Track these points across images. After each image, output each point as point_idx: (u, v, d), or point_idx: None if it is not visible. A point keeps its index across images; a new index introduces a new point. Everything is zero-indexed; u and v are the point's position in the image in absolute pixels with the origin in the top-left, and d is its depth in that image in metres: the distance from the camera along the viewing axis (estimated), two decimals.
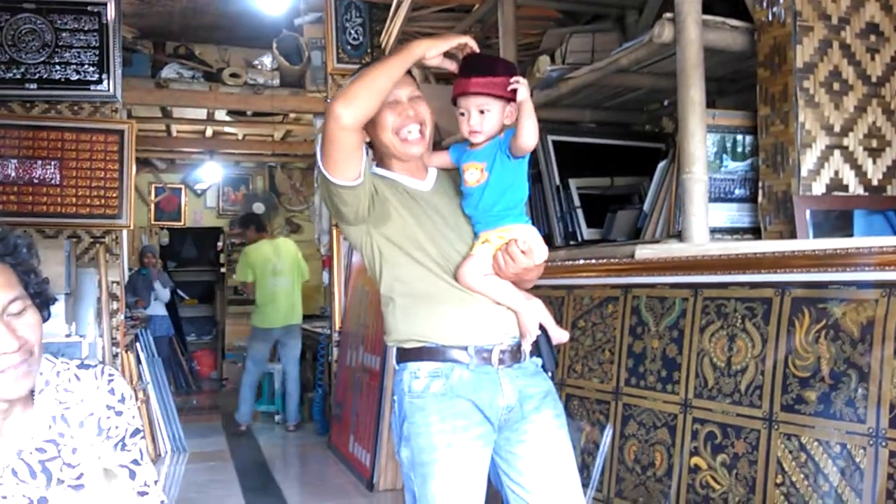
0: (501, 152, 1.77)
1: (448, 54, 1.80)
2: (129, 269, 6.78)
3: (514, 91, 1.74)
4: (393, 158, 1.86)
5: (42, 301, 1.34)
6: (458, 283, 1.78)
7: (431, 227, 1.81)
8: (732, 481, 1.90)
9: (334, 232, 5.86)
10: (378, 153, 1.89)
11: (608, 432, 2.31)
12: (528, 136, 1.72)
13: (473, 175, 1.80)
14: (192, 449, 5.60)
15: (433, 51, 1.76)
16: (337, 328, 5.71)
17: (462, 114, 1.79)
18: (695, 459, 2.02)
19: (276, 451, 5.74)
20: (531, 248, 1.77)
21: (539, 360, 1.87)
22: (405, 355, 1.80)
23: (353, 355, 5.14)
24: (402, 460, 1.79)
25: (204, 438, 6.01)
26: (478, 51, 1.82)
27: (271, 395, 6.80)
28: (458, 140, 1.93)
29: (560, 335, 1.89)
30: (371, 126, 1.81)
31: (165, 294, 8.19)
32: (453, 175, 1.92)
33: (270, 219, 10.06)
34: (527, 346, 1.83)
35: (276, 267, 6.36)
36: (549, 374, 1.90)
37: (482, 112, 1.76)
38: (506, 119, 1.78)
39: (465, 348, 1.76)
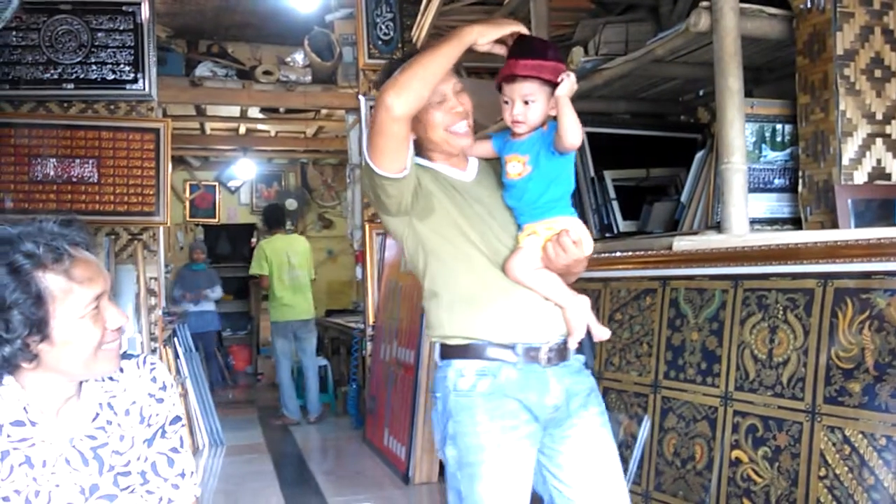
0: (545, 147, 1.72)
1: (498, 40, 1.74)
2: (166, 266, 6.86)
3: (560, 79, 1.69)
4: (437, 152, 1.83)
5: None
6: (505, 276, 1.74)
7: (476, 219, 1.77)
8: (774, 474, 1.88)
9: (367, 227, 5.89)
10: (420, 146, 1.84)
11: (646, 423, 2.29)
12: (571, 132, 1.66)
13: (515, 168, 1.75)
14: (230, 442, 5.67)
15: (485, 38, 1.70)
16: (371, 323, 5.74)
17: (506, 102, 1.75)
18: (736, 452, 2.00)
19: (312, 445, 5.79)
20: (581, 238, 1.73)
21: (582, 357, 1.85)
22: (450, 352, 1.76)
23: (387, 349, 5.16)
24: (448, 459, 1.76)
25: (241, 432, 6.09)
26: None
27: (302, 389, 6.87)
28: (501, 129, 1.90)
29: (602, 333, 1.84)
30: (420, 126, 1.76)
31: (217, 292, 8.32)
32: (494, 165, 1.88)
33: (303, 214, 10.16)
34: (573, 344, 1.79)
35: (291, 261, 6.55)
36: (589, 370, 1.88)
37: (527, 102, 1.72)
38: (551, 110, 1.73)
39: (514, 347, 1.72)
